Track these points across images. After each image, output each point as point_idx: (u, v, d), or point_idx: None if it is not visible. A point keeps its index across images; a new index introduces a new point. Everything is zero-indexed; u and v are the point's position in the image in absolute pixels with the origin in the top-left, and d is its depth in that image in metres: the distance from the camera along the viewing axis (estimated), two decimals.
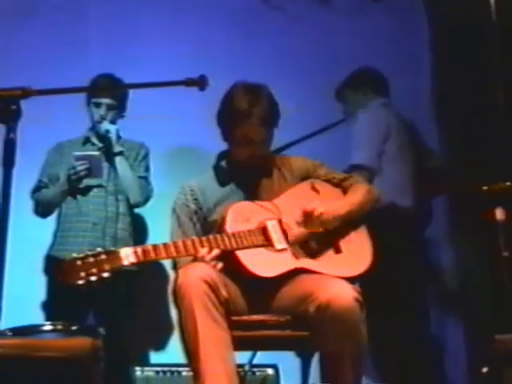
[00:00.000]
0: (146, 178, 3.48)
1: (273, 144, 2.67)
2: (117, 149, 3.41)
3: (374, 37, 4.07)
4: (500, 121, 2.32)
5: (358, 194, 2.61)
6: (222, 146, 2.67)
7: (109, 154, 3.41)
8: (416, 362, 3.37)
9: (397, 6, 4.17)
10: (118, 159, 3.41)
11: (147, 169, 3.51)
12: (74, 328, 2.56)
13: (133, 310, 3.41)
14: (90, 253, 2.23)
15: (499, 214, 2.30)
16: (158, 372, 3.20)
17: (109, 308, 3.25)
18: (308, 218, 2.49)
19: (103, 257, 2.23)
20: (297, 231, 2.49)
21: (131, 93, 3.44)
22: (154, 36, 4.01)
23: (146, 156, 3.52)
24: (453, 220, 3.99)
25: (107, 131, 3.40)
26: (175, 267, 2.49)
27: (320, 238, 2.51)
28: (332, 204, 2.55)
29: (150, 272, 3.23)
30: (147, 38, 4.00)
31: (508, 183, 2.31)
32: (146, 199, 3.47)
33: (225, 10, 4.09)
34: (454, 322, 3.95)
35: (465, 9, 3.60)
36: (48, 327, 2.57)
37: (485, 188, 2.34)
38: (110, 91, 3.45)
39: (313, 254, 2.48)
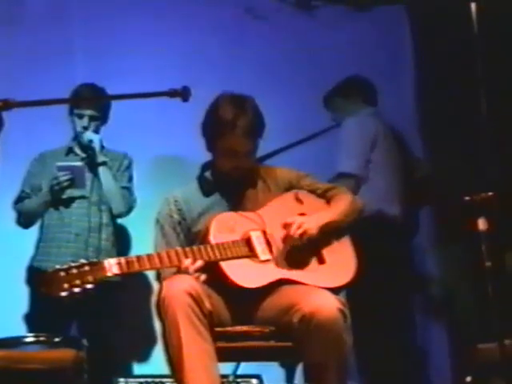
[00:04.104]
0: (128, 189, 3.47)
1: (259, 152, 2.67)
2: (100, 159, 3.40)
3: (358, 46, 4.10)
4: (483, 130, 2.34)
5: (340, 205, 2.61)
6: (207, 156, 2.67)
7: (92, 164, 3.40)
8: (401, 371, 3.38)
9: (381, 16, 4.20)
10: (101, 169, 3.39)
11: (130, 179, 3.50)
12: (56, 340, 2.56)
13: (116, 322, 3.40)
14: (73, 264, 2.22)
15: (481, 224, 2.31)
16: (141, 383, 3.19)
17: (92, 319, 3.23)
18: (289, 231, 2.48)
19: (86, 268, 2.22)
20: (280, 245, 2.49)
21: (116, 103, 3.43)
22: (139, 46, 4.00)
23: (129, 166, 3.51)
24: (438, 229, 4.01)
25: (90, 141, 3.39)
26: (159, 278, 2.49)
27: (303, 248, 2.50)
28: (313, 216, 2.54)
29: (133, 283, 3.22)
30: (132, 49, 3.99)
31: (490, 193, 2.32)
32: (129, 210, 3.46)
33: (209, 20, 4.09)
34: (438, 330, 3.96)
35: (448, 19, 3.63)
36: (31, 339, 2.57)
37: (467, 198, 2.35)
38: (92, 102, 3.43)
39: (296, 265, 2.48)
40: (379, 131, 3.60)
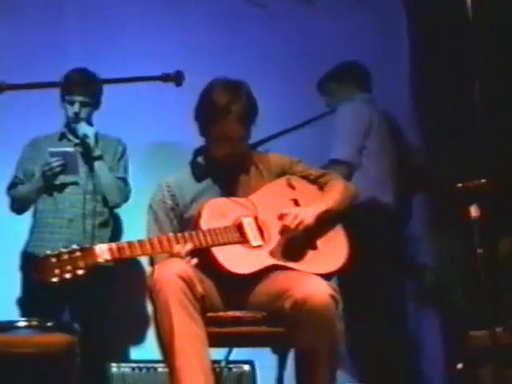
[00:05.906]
0: (124, 179, 3.46)
1: (253, 137, 2.66)
2: (96, 153, 3.37)
3: (355, 35, 4.09)
4: (478, 118, 2.34)
5: (335, 192, 2.61)
6: (200, 141, 2.67)
7: (87, 158, 3.38)
8: (393, 359, 3.39)
9: (378, 5, 4.19)
10: (97, 164, 3.37)
11: (125, 169, 3.49)
12: (49, 324, 2.56)
13: (109, 306, 3.40)
14: (64, 250, 2.22)
15: (474, 211, 2.31)
16: (133, 368, 3.21)
17: (85, 304, 3.23)
18: (285, 221, 2.46)
19: (78, 254, 2.22)
20: (272, 231, 2.48)
21: (108, 88, 3.40)
22: (135, 32, 4.00)
23: (123, 153, 3.49)
24: (431, 217, 4.01)
25: (85, 136, 3.36)
26: (152, 263, 2.48)
27: (299, 238, 2.49)
28: (309, 206, 2.54)
29: (126, 268, 3.22)
30: (128, 35, 3.98)
31: (483, 180, 2.33)
32: (125, 200, 3.46)
33: (207, 6, 4.08)
34: (430, 318, 3.97)
35: (444, 8, 3.62)
36: (23, 323, 2.57)
37: (459, 185, 2.35)
38: (83, 87, 3.41)
39: (288, 251, 2.48)
40: (374, 118, 3.59)
